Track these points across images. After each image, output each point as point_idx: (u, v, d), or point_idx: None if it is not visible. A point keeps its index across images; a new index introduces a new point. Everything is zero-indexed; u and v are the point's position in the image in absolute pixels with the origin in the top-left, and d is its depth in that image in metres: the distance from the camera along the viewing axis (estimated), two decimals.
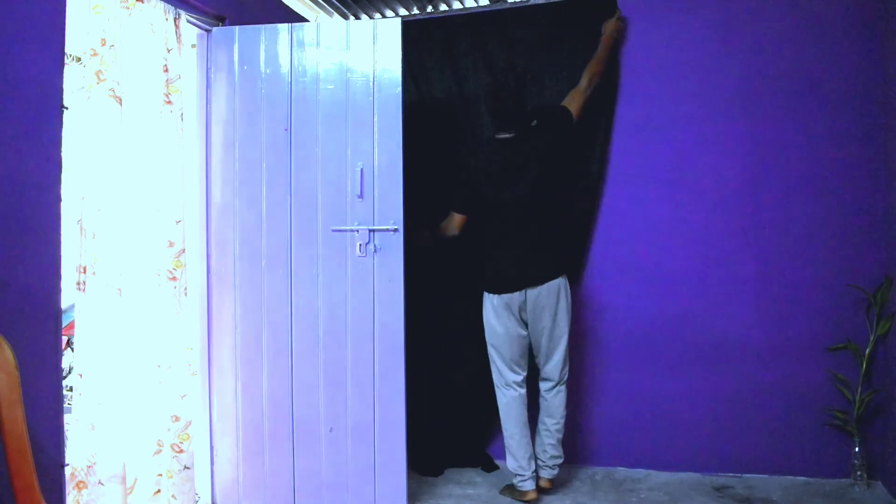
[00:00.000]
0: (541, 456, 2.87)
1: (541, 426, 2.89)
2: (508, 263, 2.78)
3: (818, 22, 2.96)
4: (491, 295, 2.82)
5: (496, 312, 2.81)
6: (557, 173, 2.82)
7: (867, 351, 2.84)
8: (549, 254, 2.80)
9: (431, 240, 3.04)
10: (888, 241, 2.85)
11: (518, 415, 2.85)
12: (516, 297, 2.76)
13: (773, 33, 3.00)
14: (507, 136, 2.82)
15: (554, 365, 2.83)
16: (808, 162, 2.97)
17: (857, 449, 2.84)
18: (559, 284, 2.77)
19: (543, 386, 2.89)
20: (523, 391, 2.86)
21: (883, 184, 2.88)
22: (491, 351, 2.89)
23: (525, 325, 2.81)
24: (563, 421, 2.86)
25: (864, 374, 2.84)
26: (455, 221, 2.96)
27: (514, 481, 2.86)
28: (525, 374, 2.87)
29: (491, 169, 2.82)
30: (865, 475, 2.83)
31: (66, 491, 2.21)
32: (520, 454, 2.82)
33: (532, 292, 2.74)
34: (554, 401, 2.86)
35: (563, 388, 2.86)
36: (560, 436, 2.86)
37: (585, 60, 3.03)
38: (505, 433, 2.87)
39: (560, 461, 2.89)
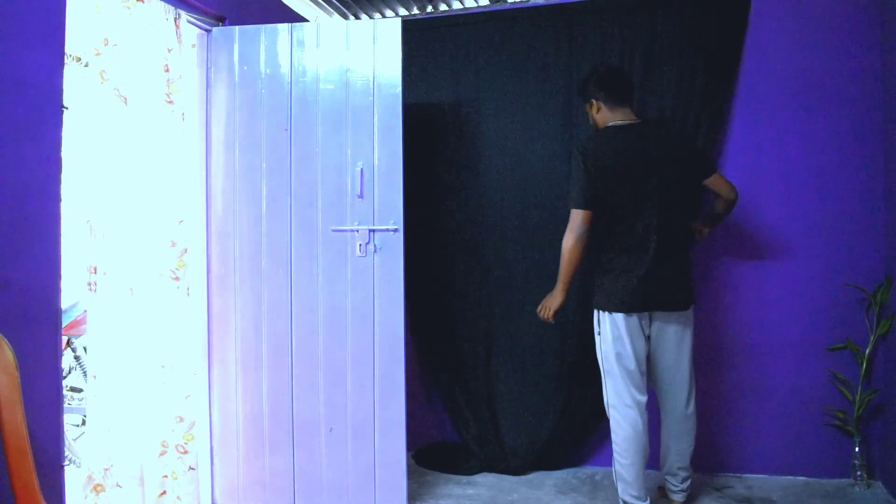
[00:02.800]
0: (672, 481, 2.67)
1: (671, 450, 2.61)
2: (637, 275, 2.42)
3: (818, 21, 2.96)
4: (615, 315, 2.46)
5: (625, 332, 2.45)
6: (685, 177, 2.50)
7: (867, 351, 2.84)
8: (682, 269, 2.48)
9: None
10: (888, 240, 2.85)
11: (644, 443, 2.49)
12: (646, 315, 2.47)
13: (774, 33, 3.00)
14: (626, 122, 2.52)
15: (682, 378, 2.54)
16: (808, 161, 2.97)
17: (857, 449, 2.84)
18: (690, 314, 2.52)
19: (672, 405, 2.58)
20: (646, 415, 2.50)
21: (883, 184, 2.88)
22: (611, 370, 2.50)
23: (648, 339, 2.52)
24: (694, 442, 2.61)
25: (865, 374, 2.84)
26: (578, 220, 2.47)
27: None
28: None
29: (610, 159, 2.44)
30: (865, 475, 2.83)
31: (84, 495, 2.24)
32: (638, 484, 2.48)
33: (662, 315, 2.48)
34: (689, 421, 2.58)
35: (694, 403, 2.58)
36: (691, 457, 2.64)
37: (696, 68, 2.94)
38: (622, 461, 2.48)
39: (690, 480, 2.71)
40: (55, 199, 2.05)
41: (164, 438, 2.52)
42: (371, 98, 2.71)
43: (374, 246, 2.69)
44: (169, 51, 2.55)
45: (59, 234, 2.06)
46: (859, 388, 2.85)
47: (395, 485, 2.70)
